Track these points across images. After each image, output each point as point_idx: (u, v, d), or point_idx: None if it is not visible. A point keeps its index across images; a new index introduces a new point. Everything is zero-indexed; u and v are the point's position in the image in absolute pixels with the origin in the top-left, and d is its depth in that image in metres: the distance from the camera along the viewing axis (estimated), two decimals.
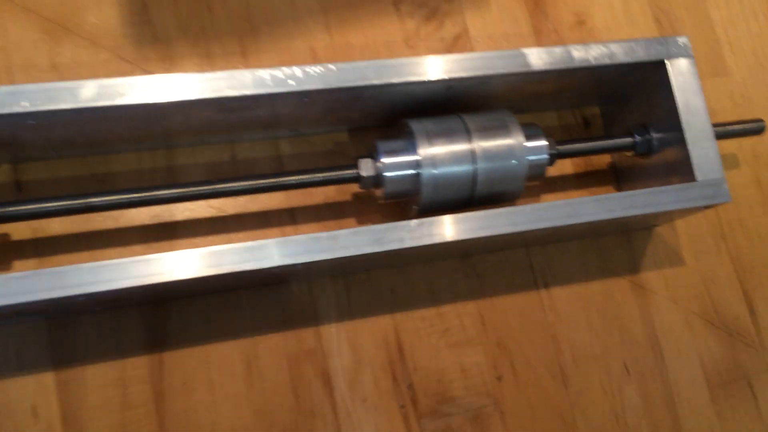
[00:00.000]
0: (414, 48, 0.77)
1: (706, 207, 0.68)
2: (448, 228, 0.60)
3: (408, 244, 0.58)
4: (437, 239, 0.59)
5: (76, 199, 0.58)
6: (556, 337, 0.73)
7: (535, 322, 0.73)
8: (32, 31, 0.68)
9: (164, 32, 0.71)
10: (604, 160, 0.80)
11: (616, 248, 0.78)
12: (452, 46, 0.78)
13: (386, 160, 0.64)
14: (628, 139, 0.73)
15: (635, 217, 0.68)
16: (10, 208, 0.57)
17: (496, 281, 0.73)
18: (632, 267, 0.78)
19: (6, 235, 0.63)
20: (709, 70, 0.87)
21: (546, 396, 0.71)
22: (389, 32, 0.77)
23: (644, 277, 0.78)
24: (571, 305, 0.75)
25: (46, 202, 0.58)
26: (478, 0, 0.81)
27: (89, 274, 0.52)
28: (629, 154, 0.75)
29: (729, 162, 0.85)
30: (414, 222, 0.59)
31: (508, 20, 0.81)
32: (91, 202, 0.59)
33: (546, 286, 0.74)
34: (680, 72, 0.69)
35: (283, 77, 0.59)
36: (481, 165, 0.65)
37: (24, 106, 0.54)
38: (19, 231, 0.63)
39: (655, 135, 0.72)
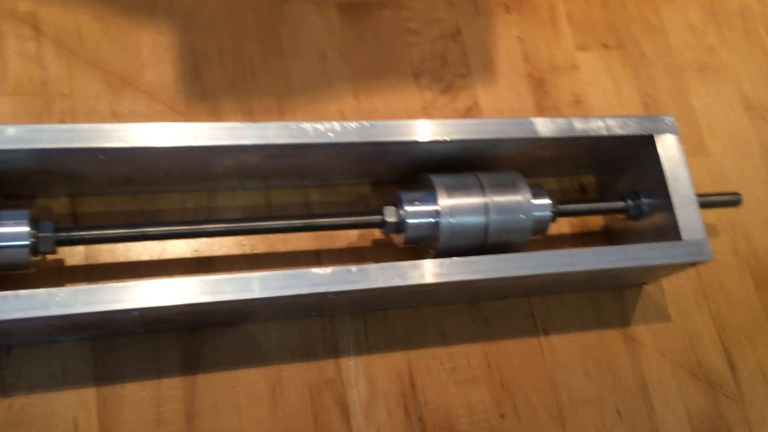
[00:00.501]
0: (431, 116, 0.86)
1: (692, 264, 0.76)
2: (464, 267, 0.67)
3: (429, 280, 0.65)
4: (455, 278, 0.66)
5: (132, 228, 0.65)
6: (554, 380, 0.79)
7: (536, 366, 0.79)
8: (96, 83, 0.76)
9: (212, 90, 0.80)
10: (598, 222, 0.88)
11: (609, 302, 0.85)
12: (464, 116, 0.88)
13: (409, 208, 0.72)
14: (621, 203, 0.82)
15: (627, 271, 0.76)
16: (74, 233, 0.64)
17: (501, 326, 0.80)
18: (624, 320, 0.84)
19: (61, 260, 0.69)
20: (690, 150, 0.97)
21: None
22: (409, 101, 0.87)
23: (634, 330, 0.84)
24: (569, 352, 0.81)
25: (106, 229, 0.65)
26: (487, 78, 0.91)
27: (145, 291, 0.58)
28: (622, 216, 0.83)
29: (709, 231, 0.93)
30: (435, 261, 0.66)
31: (514, 96, 0.91)
32: (145, 231, 0.65)
33: (545, 333, 0.81)
34: (667, 146, 0.79)
35: (323, 130, 0.67)
36: (493, 217, 0.73)
37: (99, 142, 0.61)
38: (73, 257, 0.69)
39: (645, 200, 0.81)
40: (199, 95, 0.79)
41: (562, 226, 0.87)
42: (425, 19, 0.91)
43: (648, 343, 0.84)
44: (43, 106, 0.73)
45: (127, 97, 0.77)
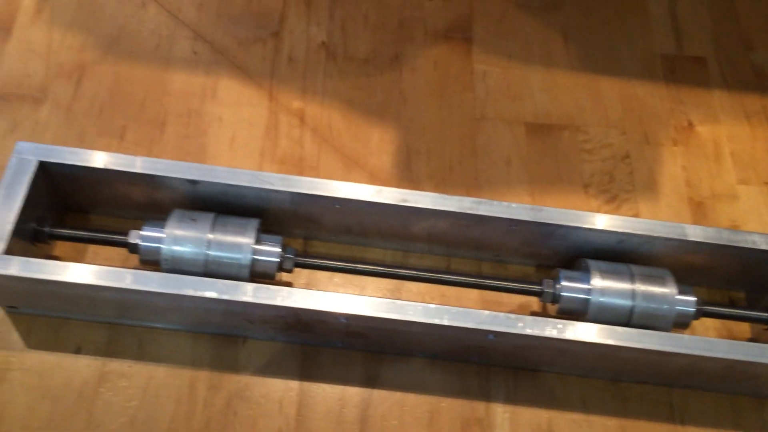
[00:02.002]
0: None
1: None
2: (608, 333, 0.79)
3: (577, 338, 0.78)
4: (600, 340, 0.78)
5: (348, 263, 0.86)
6: None
7: None
8: (335, 161, 1.02)
9: (417, 178, 1.02)
10: (745, 334, 0.95)
11: (749, 409, 0.89)
12: None
13: (565, 283, 0.86)
14: (766, 314, 0.89)
15: (766, 374, 0.82)
16: (308, 259, 0.86)
17: (639, 408, 0.88)
18: (762, 428, 0.88)
19: (290, 282, 0.91)
20: None
21: None
22: (577, 206, 1.02)
23: None
24: None
25: (331, 260, 0.86)
26: (650, 195, 1.05)
27: (352, 302, 0.78)
28: (766, 327, 0.90)
29: None
30: (585, 324, 0.79)
31: (673, 214, 1.04)
32: (357, 266, 0.86)
33: (682, 423, 0.88)
34: None
35: (503, 207, 0.85)
36: (638, 303, 0.84)
37: (338, 194, 0.84)
38: (298, 281, 0.92)
39: None
40: (407, 180, 1.02)
41: (708, 330, 0.95)
42: (599, 142, 1.08)
43: None
44: (298, 174, 1.00)
45: (355, 174, 1.01)
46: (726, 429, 0.88)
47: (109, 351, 0.84)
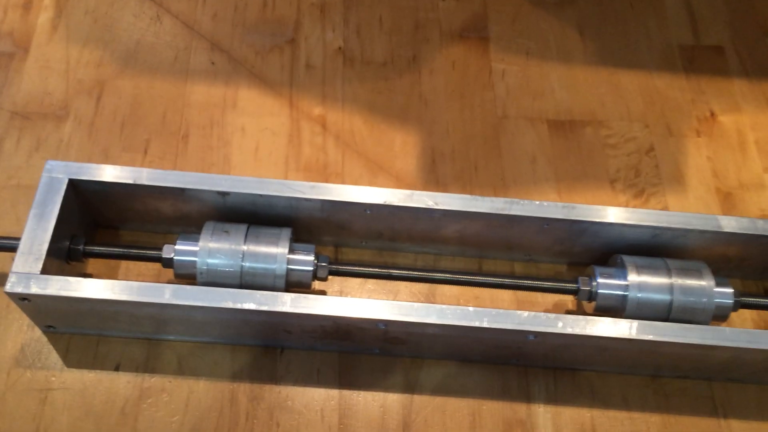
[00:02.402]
0: None
1: None
2: (648, 329, 0.78)
3: (616, 335, 0.78)
4: (640, 336, 0.78)
5: (381, 269, 0.86)
6: None
7: None
8: (360, 167, 1.01)
9: (443, 180, 1.02)
10: None
11: None
12: None
13: (601, 280, 0.86)
14: None
15: None
16: (342, 267, 0.85)
17: (681, 403, 0.88)
18: None
19: (324, 291, 0.91)
20: None
21: None
22: (605, 201, 1.02)
23: None
24: None
25: (364, 267, 0.86)
26: (677, 188, 1.04)
27: (389, 308, 0.77)
28: None
29: None
30: (624, 320, 0.79)
31: (702, 206, 1.03)
32: (390, 272, 0.86)
33: (725, 416, 0.87)
34: None
35: (536, 206, 0.85)
36: (677, 297, 0.84)
37: (368, 199, 0.84)
38: (332, 289, 0.91)
39: None
40: (434, 183, 1.01)
41: (746, 321, 0.94)
42: (622, 136, 1.08)
43: None
44: (323, 181, 0.99)
45: (381, 179, 1.01)
46: None
47: (149, 367, 0.83)
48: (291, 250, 0.82)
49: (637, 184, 1.04)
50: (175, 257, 0.81)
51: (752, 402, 0.88)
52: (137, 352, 0.84)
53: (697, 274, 0.85)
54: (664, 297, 0.84)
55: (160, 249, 0.82)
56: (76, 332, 0.84)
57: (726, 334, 0.79)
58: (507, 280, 0.87)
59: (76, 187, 0.83)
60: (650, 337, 0.78)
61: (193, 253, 0.80)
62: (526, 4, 1.22)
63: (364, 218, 0.87)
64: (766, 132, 1.11)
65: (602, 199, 1.02)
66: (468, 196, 0.85)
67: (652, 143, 1.08)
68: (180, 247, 0.81)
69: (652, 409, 0.87)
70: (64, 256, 0.82)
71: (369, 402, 0.84)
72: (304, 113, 1.06)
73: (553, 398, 0.87)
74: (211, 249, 0.80)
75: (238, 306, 0.76)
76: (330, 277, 0.89)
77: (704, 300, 0.84)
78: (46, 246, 0.76)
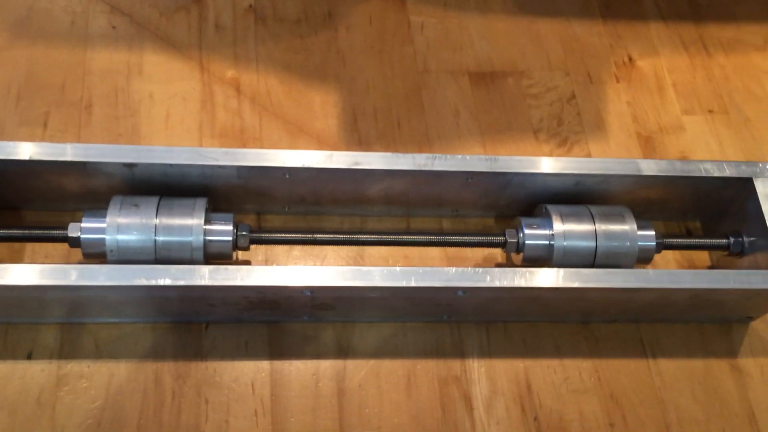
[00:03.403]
0: None
1: None
2: (575, 276, 0.78)
3: (544, 284, 0.77)
4: (567, 284, 0.78)
5: (306, 234, 0.83)
6: (662, 399, 0.86)
7: (644, 385, 0.87)
8: (279, 130, 0.97)
9: (366, 139, 0.99)
10: (705, 262, 0.97)
11: (716, 335, 0.91)
12: None
13: (527, 231, 0.85)
14: (723, 240, 0.90)
15: (729, 298, 0.83)
16: (263, 235, 0.82)
17: (611, 347, 0.89)
18: (731, 352, 0.90)
19: (248, 261, 0.87)
20: None
21: None
22: (529, 152, 1.01)
23: (741, 362, 0.90)
24: (676, 376, 0.88)
25: (287, 233, 0.83)
26: (599, 135, 1.04)
27: (315, 274, 0.74)
28: (725, 254, 0.92)
29: None
30: (551, 269, 0.79)
31: (624, 152, 1.04)
32: (315, 237, 0.83)
33: (654, 356, 0.89)
34: (766, 188, 0.87)
35: (459, 160, 0.83)
36: (601, 243, 0.84)
37: (286, 163, 0.80)
38: (256, 258, 0.88)
39: (746, 239, 0.89)
40: (356, 142, 0.98)
41: (669, 262, 0.96)
42: (544, 86, 1.07)
43: (755, 376, 0.90)
44: (240, 146, 0.95)
45: (302, 142, 0.97)
46: (696, 357, 0.90)
47: (64, 353, 0.79)
48: (207, 221, 0.78)
49: (560, 133, 1.04)
50: (81, 236, 0.76)
51: (679, 340, 0.90)
52: (50, 339, 0.79)
53: (620, 218, 0.85)
54: (589, 244, 0.84)
55: (66, 228, 0.76)
56: None
57: (649, 276, 0.80)
58: (434, 237, 0.86)
59: None
60: (576, 284, 0.78)
61: (101, 230, 0.75)
62: None
63: (285, 183, 0.84)
64: (683, 75, 1.12)
65: (527, 149, 1.02)
66: (390, 154, 0.83)
67: (573, 91, 1.08)
68: (86, 224, 0.76)
69: (584, 354, 0.88)
70: None
71: (301, 371, 0.82)
72: (216, 76, 1.00)
73: (487, 352, 0.86)
74: (120, 224, 0.75)
75: (153, 282, 0.71)
76: (254, 246, 0.85)
77: (627, 244, 0.84)
78: None
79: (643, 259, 0.87)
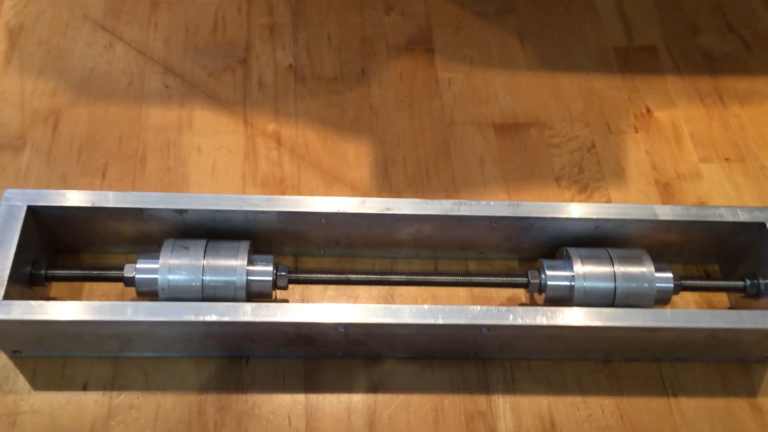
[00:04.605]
0: None
1: None
2: (595, 315, 0.83)
3: (566, 323, 0.82)
4: (588, 323, 0.82)
5: (340, 275, 0.89)
6: None
7: (666, 422, 0.90)
8: (315, 179, 1.05)
9: (396, 186, 1.06)
10: (724, 303, 1.00)
11: (736, 374, 0.94)
12: None
13: (549, 273, 0.90)
14: (740, 282, 0.94)
15: (747, 337, 0.86)
16: (301, 275, 0.88)
17: (632, 384, 0.92)
18: (750, 391, 0.93)
19: (286, 299, 0.94)
20: None
21: None
22: (551, 198, 1.07)
23: (761, 401, 0.92)
24: (697, 414, 0.90)
25: (323, 274, 0.89)
26: (619, 182, 1.10)
27: (349, 311, 0.80)
28: (742, 295, 0.95)
29: None
30: (572, 308, 0.83)
31: (643, 197, 1.08)
32: (348, 277, 0.89)
33: (674, 395, 0.92)
34: None
35: (483, 205, 0.89)
36: (620, 284, 0.88)
37: (323, 208, 0.87)
38: (294, 297, 0.94)
39: (762, 281, 0.92)
40: (387, 189, 1.05)
41: (689, 304, 0.99)
42: (565, 136, 1.13)
43: None
44: (280, 194, 1.02)
45: (336, 189, 1.04)
46: (716, 396, 0.92)
47: (116, 384, 0.85)
48: (250, 262, 0.85)
49: (581, 180, 1.09)
50: (136, 275, 0.83)
51: (699, 379, 0.93)
52: (104, 371, 0.86)
53: (638, 261, 0.90)
54: (608, 284, 0.88)
55: (122, 269, 0.84)
56: (43, 355, 0.86)
57: (667, 315, 0.84)
58: (461, 278, 0.91)
59: (35, 214, 0.85)
60: (597, 323, 0.83)
61: (154, 271, 0.82)
62: (467, 16, 1.27)
63: (321, 227, 0.91)
64: (699, 125, 1.17)
65: (549, 196, 1.07)
66: (418, 200, 0.89)
67: (593, 141, 1.13)
68: (141, 265, 0.83)
69: (605, 392, 0.91)
70: (26, 281, 0.83)
71: (334, 404, 0.87)
72: (259, 130, 1.09)
73: (511, 388, 0.90)
74: (171, 265, 0.82)
75: (200, 318, 0.78)
76: (292, 286, 0.92)
77: (645, 285, 0.88)
78: (7, 272, 0.78)
79: (662, 300, 0.91)
